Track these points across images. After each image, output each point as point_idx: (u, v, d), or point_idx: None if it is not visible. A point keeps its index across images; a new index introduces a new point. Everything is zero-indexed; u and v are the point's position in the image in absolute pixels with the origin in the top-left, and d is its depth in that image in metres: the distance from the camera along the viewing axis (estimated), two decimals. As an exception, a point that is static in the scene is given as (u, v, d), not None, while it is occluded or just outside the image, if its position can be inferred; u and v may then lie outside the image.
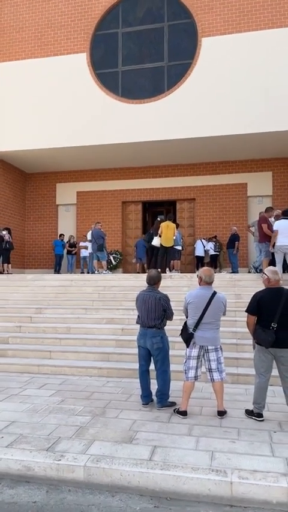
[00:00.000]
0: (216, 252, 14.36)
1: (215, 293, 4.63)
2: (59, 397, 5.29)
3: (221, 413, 4.55)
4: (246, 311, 4.61)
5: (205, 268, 4.86)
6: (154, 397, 5.02)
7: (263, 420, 4.39)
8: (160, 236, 11.62)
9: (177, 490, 3.25)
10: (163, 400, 4.90)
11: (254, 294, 4.63)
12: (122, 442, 3.89)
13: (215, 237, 14.88)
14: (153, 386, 5.06)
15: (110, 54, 13.93)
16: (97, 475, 3.41)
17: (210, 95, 12.65)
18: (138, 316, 5.09)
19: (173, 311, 5.10)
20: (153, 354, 4.95)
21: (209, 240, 14.61)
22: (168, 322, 5.16)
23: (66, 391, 5.56)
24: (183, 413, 4.55)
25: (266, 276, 4.61)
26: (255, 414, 4.46)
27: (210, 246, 14.33)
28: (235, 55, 12.56)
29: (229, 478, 3.22)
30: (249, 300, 4.64)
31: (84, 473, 3.43)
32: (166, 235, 11.48)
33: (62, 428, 4.22)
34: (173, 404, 4.93)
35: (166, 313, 4.97)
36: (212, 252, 14.29)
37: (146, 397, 5.00)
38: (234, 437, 3.99)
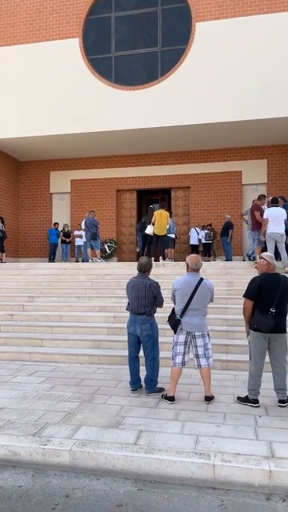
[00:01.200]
0: (208, 240, 14.33)
1: (201, 280, 4.64)
2: (49, 384, 5.33)
3: (208, 399, 4.59)
4: (244, 296, 4.60)
5: (192, 255, 4.86)
6: (143, 383, 5.05)
7: (259, 406, 4.42)
8: (153, 224, 11.58)
9: (161, 473, 3.29)
10: (151, 386, 4.94)
11: (252, 279, 4.63)
12: (108, 427, 3.92)
13: (210, 225, 14.86)
14: (143, 372, 5.09)
15: (103, 39, 13.71)
16: (82, 459, 3.44)
17: (204, 81, 12.51)
18: (128, 303, 5.10)
19: (164, 299, 5.11)
20: (142, 341, 4.97)
21: (202, 228, 14.58)
22: (159, 309, 5.18)
23: (56, 378, 5.59)
24: (171, 399, 4.59)
25: (266, 261, 4.63)
26: (251, 400, 4.48)
27: (202, 234, 14.30)
28: (230, 40, 12.39)
29: (212, 461, 3.26)
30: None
31: (69, 457, 3.47)
32: (159, 223, 11.44)
33: (50, 414, 4.25)
34: (162, 390, 4.97)
35: (156, 300, 4.99)
36: (204, 241, 14.26)
37: (135, 384, 5.04)
38: (220, 422, 4.03)
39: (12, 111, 13.78)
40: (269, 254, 4.80)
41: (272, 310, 4.37)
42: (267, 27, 12.13)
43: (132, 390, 5.01)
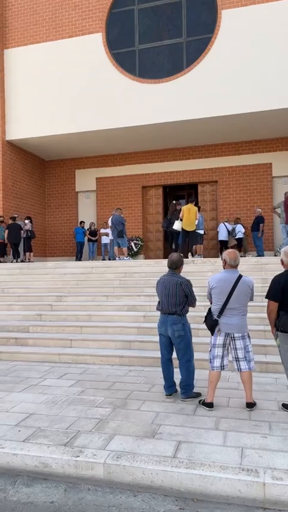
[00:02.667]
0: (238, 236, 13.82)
1: (240, 276, 4.29)
2: (79, 388, 5.11)
3: (250, 405, 4.25)
4: (267, 297, 4.20)
5: (230, 250, 4.49)
6: (178, 388, 4.76)
7: None
8: (181, 220, 11.24)
9: (204, 491, 2.99)
10: (187, 391, 4.63)
11: (273, 278, 4.24)
12: (144, 436, 3.65)
13: (238, 218, 14.37)
14: (177, 375, 4.79)
15: (126, 33, 13.44)
16: (118, 473, 3.18)
17: (231, 70, 12.05)
18: (159, 302, 4.81)
19: (196, 297, 4.79)
20: (174, 343, 4.67)
21: (235, 222, 14.02)
22: (191, 308, 4.87)
23: (87, 381, 5.36)
24: (209, 405, 4.28)
25: (280, 259, 4.25)
26: None
27: (239, 228, 13.70)
28: (257, 27, 11.88)
29: (261, 479, 2.93)
30: None
31: (104, 470, 3.21)
32: (188, 219, 11.09)
33: (82, 421, 4.02)
34: (198, 395, 4.66)
35: (188, 299, 4.67)
36: (241, 235, 13.66)
37: (170, 388, 4.74)
38: (266, 432, 3.69)
39: (37, 110, 13.72)
40: (285, 250, 4.32)
41: None
42: (298, 10, 11.55)
43: (166, 395, 4.72)
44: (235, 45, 12.06)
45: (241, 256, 12.40)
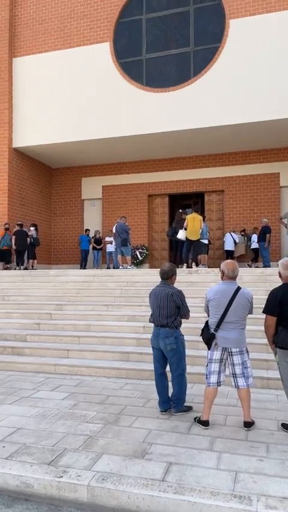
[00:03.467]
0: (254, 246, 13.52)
1: (239, 288, 4.10)
2: (72, 401, 4.93)
3: (248, 425, 4.03)
4: (264, 312, 4.01)
5: (228, 261, 4.32)
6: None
7: None
8: (186, 229, 11.08)
9: (192, 519, 2.79)
10: (178, 405, 4.45)
11: (270, 292, 4.05)
12: (133, 456, 3.46)
13: (244, 230, 14.19)
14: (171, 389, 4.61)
15: (133, 42, 13.46)
16: (102, 497, 2.99)
17: (238, 80, 11.96)
18: (151, 314, 4.65)
19: (191, 309, 4.61)
20: (167, 356, 4.49)
21: (253, 231, 13.71)
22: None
23: (80, 394, 5.19)
24: (205, 424, 4.07)
25: (278, 271, 4.07)
26: None
27: (254, 238, 13.40)
28: (265, 37, 11.81)
29: (254, 508, 2.72)
30: None
31: (87, 493, 3.03)
32: (192, 227, 10.92)
33: (70, 438, 3.84)
34: (189, 408, 4.49)
35: (180, 310, 4.49)
36: (256, 245, 13.34)
37: (164, 404, 4.55)
38: (262, 455, 3.47)
39: (44, 118, 13.76)
40: (284, 261, 4.11)
41: None
42: (306, 19, 11.45)
43: (161, 411, 4.53)
44: (243, 54, 11.99)
45: (256, 267, 12.24)
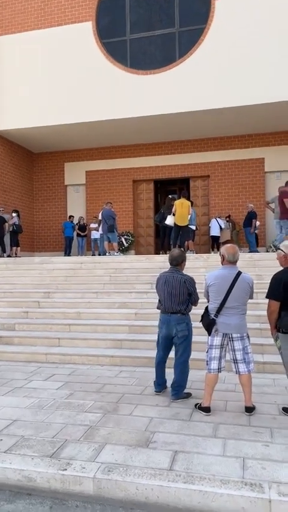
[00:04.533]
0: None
1: (239, 273, 4.03)
2: (67, 390, 4.80)
3: (249, 410, 4.00)
4: (268, 297, 3.95)
5: (229, 245, 4.22)
6: (168, 387, 4.55)
7: None
8: (174, 215, 10.96)
9: (204, 508, 2.72)
10: (179, 392, 4.41)
11: (273, 276, 4.00)
12: (137, 445, 3.37)
13: (229, 216, 14.17)
14: (168, 376, 4.57)
15: (117, 22, 13.04)
16: (109, 489, 2.90)
17: (224, 62, 11.76)
18: (159, 300, 4.54)
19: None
20: (175, 342, 4.45)
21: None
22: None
23: (75, 383, 5.07)
24: (206, 410, 4.02)
25: (283, 253, 4.00)
26: None
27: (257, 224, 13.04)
28: (251, 18, 11.58)
29: (267, 495, 2.67)
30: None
31: (93, 486, 2.93)
32: (180, 213, 10.80)
33: (69, 429, 3.73)
34: (189, 395, 4.46)
35: (191, 297, 4.42)
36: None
37: (160, 386, 4.60)
38: (267, 440, 3.44)
39: (24, 101, 13.27)
40: (287, 244, 4.11)
41: None
42: (293, 1, 11.28)
43: (156, 391, 4.58)
44: (229, 35, 11.77)
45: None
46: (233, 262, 4.11)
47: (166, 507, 2.79)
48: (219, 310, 4.01)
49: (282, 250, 4.04)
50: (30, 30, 13.47)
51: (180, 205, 10.87)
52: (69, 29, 13.13)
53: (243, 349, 4.02)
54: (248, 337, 4.12)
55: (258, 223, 13.10)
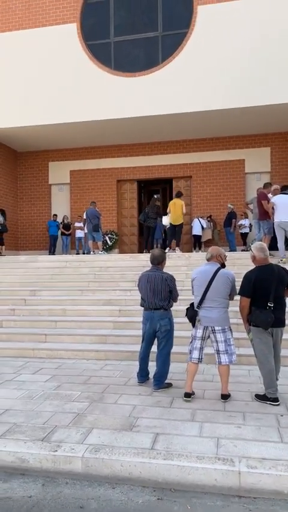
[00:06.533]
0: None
1: (219, 268, 4.39)
2: (55, 382, 5.08)
3: (225, 397, 4.35)
4: (239, 293, 4.37)
5: (213, 246, 4.73)
6: (151, 378, 4.89)
7: (279, 404, 4.18)
8: (167, 214, 11.44)
9: (181, 481, 3.05)
10: (160, 382, 4.73)
11: (245, 274, 4.38)
12: (121, 429, 3.68)
13: (210, 216, 14.58)
14: (150, 369, 4.89)
15: (101, 24, 13.27)
16: (96, 466, 3.20)
17: (206, 66, 12.11)
18: (142, 298, 4.85)
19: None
20: (158, 336, 4.78)
21: (245, 217, 13.93)
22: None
23: (63, 376, 5.34)
24: (187, 395, 4.36)
25: (252, 254, 4.39)
26: (270, 399, 4.24)
27: (246, 222, 13.74)
28: (233, 24, 11.96)
29: (237, 468, 3.02)
30: None
31: (82, 464, 3.22)
32: (174, 212, 11.21)
33: (59, 416, 4.01)
34: (170, 385, 4.79)
35: (172, 294, 4.76)
36: (246, 230, 13.73)
37: (143, 377, 4.94)
38: (240, 422, 3.79)
39: (8, 100, 13.37)
40: (257, 246, 4.46)
41: (270, 304, 4.15)
42: (272, 9, 11.71)
43: (139, 382, 4.91)
44: (211, 40, 12.12)
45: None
46: (209, 259, 4.48)
47: (148, 481, 3.10)
48: (201, 302, 4.35)
49: (252, 251, 4.41)
50: (14, 30, 13.57)
51: (173, 204, 11.28)
52: (53, 30, 13.29)
53: (225, 341, 4.36)
54: (231, 330, 4.48)
55: (245, 222, 13.65)
